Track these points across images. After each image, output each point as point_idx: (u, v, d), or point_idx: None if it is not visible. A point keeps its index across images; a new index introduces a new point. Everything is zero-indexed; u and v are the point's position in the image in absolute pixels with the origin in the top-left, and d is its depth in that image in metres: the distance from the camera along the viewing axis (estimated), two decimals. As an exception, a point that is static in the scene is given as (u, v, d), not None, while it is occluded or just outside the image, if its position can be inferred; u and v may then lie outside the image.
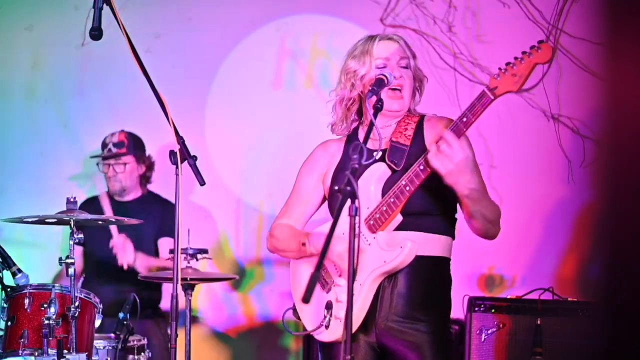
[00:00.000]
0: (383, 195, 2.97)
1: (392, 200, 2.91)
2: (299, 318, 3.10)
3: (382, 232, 2.94)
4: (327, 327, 2.97)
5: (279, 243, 3.20)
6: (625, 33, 1.38)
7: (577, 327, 3.97)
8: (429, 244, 2.96)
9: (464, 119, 2.85)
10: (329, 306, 2.98)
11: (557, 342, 4.01)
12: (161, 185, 5.16)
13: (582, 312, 3.97)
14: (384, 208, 2.93)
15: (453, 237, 3.06)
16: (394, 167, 2.98)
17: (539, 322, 4.03)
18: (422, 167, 2.87)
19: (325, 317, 2.97)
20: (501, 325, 4.10)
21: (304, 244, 3.04)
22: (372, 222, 2.95)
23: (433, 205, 2.99)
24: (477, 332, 4.11)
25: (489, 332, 4.10)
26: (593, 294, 1.39)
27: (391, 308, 2.95)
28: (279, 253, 3.24)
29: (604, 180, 1.35)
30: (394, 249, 2.91)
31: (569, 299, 4.17)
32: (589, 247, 1.42)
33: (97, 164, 4.96)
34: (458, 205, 3.04)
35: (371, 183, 2.98)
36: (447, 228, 3.04)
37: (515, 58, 2.82)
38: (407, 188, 2.89)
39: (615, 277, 1.39)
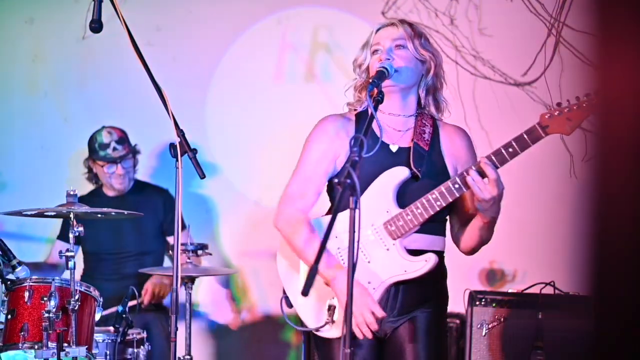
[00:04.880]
0: (397, 199, 2.97)
1: (419, 211, 2.93)
2: (290, 306, 3.09)
3: (400, 239, 2.96)
4: (333, 322, 2.96)
5: (298, 243, 3.04)
6: (615, 24, 1.37)
7: (578, 322, 3.96)
8: (435, 244, 3.03)
9: (510, 150, 2.86)
10: (331, 303, 2.96)
11: (558, 336, 4.01)
12: (161, 179, 5.16)
13: (583, 307, 3.96)
14: (409, 217, 2.94)
15: (445, 236, 3.14)
16: (417, 173, 2.99)
17: (539, 316, 4.03)
18: (456, 186, 2.91)
19: (330, 314, 2.95)
20: (502, 320, 4.09)
21: (327, 283, 2.94)
22: (393, 229, 2.96)
23: (441, 214, 3.03)
24: (478, 326, 4.11)
25: (490, 326, 4.09)
26: (593, 289, 1.39)
27: (397, 300, 2.99)
28: (291, 247, 3.09)
29: (598, 172, 1.34)
30: (416, 260, 2.95)
31: (570, 293, 4.16)
32: (590, 242, 1.41)
33: (96, 162, 4.83)
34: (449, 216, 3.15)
35: (392, 186, 2.98)
36: (444, 229, 3.13)
37: (569, 102, 2.86)
38: (438, 203, 2.92)
39: (615, 272, 1.39)
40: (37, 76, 5.55)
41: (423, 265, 2.94)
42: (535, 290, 4.16)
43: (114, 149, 4.78)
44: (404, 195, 2.98)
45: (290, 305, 3.08)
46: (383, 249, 2.95)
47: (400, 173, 2.99)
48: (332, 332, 2.98)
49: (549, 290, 4.16)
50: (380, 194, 2.97)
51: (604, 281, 1.40)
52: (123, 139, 4.81)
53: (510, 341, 4.08)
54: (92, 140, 4.84)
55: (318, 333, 3.02)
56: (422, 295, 3.01)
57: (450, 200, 2.92)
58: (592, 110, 2.81)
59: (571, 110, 2.84)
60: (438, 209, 2.92)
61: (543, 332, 4.01)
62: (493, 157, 2.87)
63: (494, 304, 4.12)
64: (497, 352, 4.08)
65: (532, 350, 4.01)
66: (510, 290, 4.36)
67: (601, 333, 1.38)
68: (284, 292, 3.11)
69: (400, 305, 2.98)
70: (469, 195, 3.02)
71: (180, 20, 5.37)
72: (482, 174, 2.85)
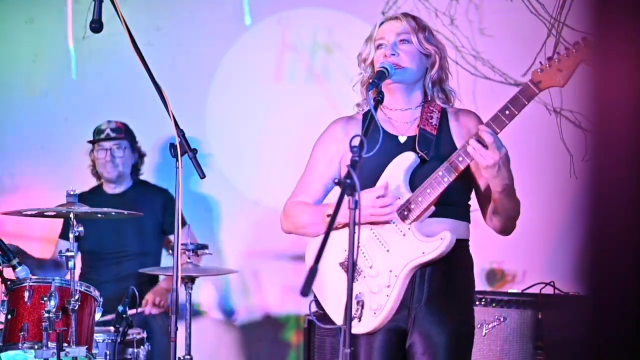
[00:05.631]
0: (411, 185, 2.97)
1: (428, 190, 2.91)
2: (322, 309, 3.08)
3: (416, 223, 2.94)
4: (359, 319, 2.95)
5: (298, 219, 3.10)
6: (614, 25, 1.37)
7: (578, 322, 3.96)
8: (456, 229, 2.98)
9: (507, 112, 2.86)
10: (360, 298, 2.95)
11: (558, 336, 4.00)
12: (161, 178, 5.16)
13: (583, 307, 3.96)
14: (419, 199, 2.92)
15: (470, 222, 3.10)
16: (424, 156, 2.98)
17: (540, 316, 4.03)
18: (460, 158, 2.88)
19: (357, 309, 2.94)
20: (502, 319, 4.09)
21: (329, 215, 2.96)
22: (405, 213, 2.94)
23: (459, 196, 3.02)
24: (478, 326, 4.11)
25: (490, 326, 4.09)
26: (592, 289, 1.39)
27: (423, 290, 2.95)
28: (299, 231, 3.14)
29: (597, 172, 1.35)
30: (432, 240, 2.91)
31: (570, 293, 4.16)
32: (590, 242, 1.41)
33: (93, 151, 4.93)
34: (474, 195, 3.09)
35: (401, 172, 2.97)
36: (467, 215, 3.08)
37: (558, 54, 2.83)
38: (445, 179, 2.90)
39: (615, 272, 1.39)
40: (37, 76, 5.55)
41: (439, 243, 2.89)
42: (535, 290, 4.15)
43: (107, 135, 4.85)
44: (416, 181, 2.96)
45: (321, 309, 3.07)
46: (399, 235, 2.94)
47: (407, 158, 2.98)
48: (359, 327, 2.95)
49: (549, 290, 4.15)
50: (390, 182, 2.97)
51: (603, 281, 1.40)
52: (120, 129, 4.89)
53: (510, 341, 4.07)
54: (93, 131, 4.95)
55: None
56: (448, 285, 2.98)
57: (456, 174, 2.88)
58: (582, 57, 2.78)
59: (561, 60, 2.82)
60: (446, 185, 2.88)
61: (543, 332, 4.01)
62: (491, 123, 2.86)
63: (494, 304, 4.12)
64: (497, 352, 4.08)
65: (533, 350, 4.01)
66: (510, 290, 4.36)
67: (599, 333, 1.38)
68: (314, 296, 3.11)
69: (427, 294, 2.95)
70: (478, 169, 2.98)
71: (181, 20, 5.37)
72: (483, 142, 2.85)
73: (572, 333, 3.97)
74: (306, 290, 2.31)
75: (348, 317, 2.45)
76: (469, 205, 3.10)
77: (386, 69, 2.95)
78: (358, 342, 2.95)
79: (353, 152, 2.50)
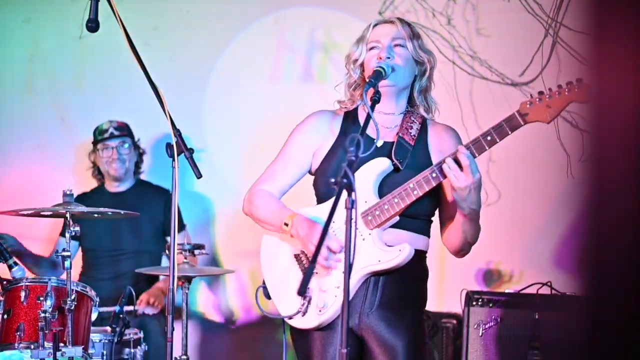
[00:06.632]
0: (380, 190, 2.96)
1: (395, 200, 2.90)
2: (268, 297, 3.08)
3: (377, 230, 2.93)
4: (304, 314, 2.95)
5: (259, 212, 3.11)
6: (611, 24, 1.37)
7: (575, 322, 3.96)
8: (415, 243, 2.98)
9: (488, 138, 2.84)
10: (308, 293, 2.95)
11: (555, 336, 4.01)
12: (158, 178, 5.15)
13: (580, 307, 3.96)
14: (386, 207, 2.91)
15: (429, 237, 3.10)
16: (398, 165, 2.97)
17: (536, 316, 4.03)
18: (434, 175, 2.87)
19: (303, 304, 2.95)
20: (499, 320, 4.09)
21: (286, 224, 2.98)
22: (370, 218, 2.93)
23: (424, 211, 3.02)
24: (475, 326, 4.11)
25: (487, 326, 4.09)
26: (588, 289, 1.38)
27: (375, 296, 2.95)
28: (255, 221, 3.16)
29: (595, 172, 1.34)
30: (391, 250, 2.91)
31: (567, 293, 4.17)
32: (587, 243, 1.41)
33: (94, 151, 4.93)
34: (437, 212, 3.10)
35: (373, 177, 2.97)
36: (428, 230, 3.09)
37: (550, 90, 2.82)
38: (415, 192, 2.89)
39: (611, 272, 1.39)
40: (34, 76, 5.54)
41: (397, 254, 2.89)
42: (532, 290, 4.16)
43: (111, 133, 4.87)
44: (386, 187, 2.96)
45: (268, 297, 3.07)
46: (359, 239, 2.91)
47: (380, 164, 2.98)
48: (301, 322, 2.96)
49: (545, 290, 4.15)
50: (360, 185, 2.96)
51: (600, 282, 1.40)
52: (122, 127, 4.91)
53: (507, 342, 4.07)
54: (94, 132, 4.94)
55: (289, 322, 3.00)
56: (401, 294, 2.98)
57: (427, 189, 2.87)
58: (573, 98, 2.78)
59: (552, 97, 2.81)
60: (414, 198, 2.88)
61: (540, 332, 4.01)
62: (471, 146, 2.85)
63: (490, 304, 4.12)
64: (493, 353, 4.08)
65: (529, 350, 4.01)
66: (507, 291, 4.36)
67: (595, 334, 1.38)
68: (263, 282, 3.10)
69: (379, 301, 2.95)
70: (449, 187, 2.98)
71: (178, 20, 5.37)
72: (459, 163, 2.84)
73: (568, 333, 3.98)
74: (303, 290, 2.31)
75: (344, 317, 2.45)
76: (431, 221, 3.10)
77: (383, 68, 2.95)
78: (311, 337, 2.96)
79: (349, 152, 2.50)
